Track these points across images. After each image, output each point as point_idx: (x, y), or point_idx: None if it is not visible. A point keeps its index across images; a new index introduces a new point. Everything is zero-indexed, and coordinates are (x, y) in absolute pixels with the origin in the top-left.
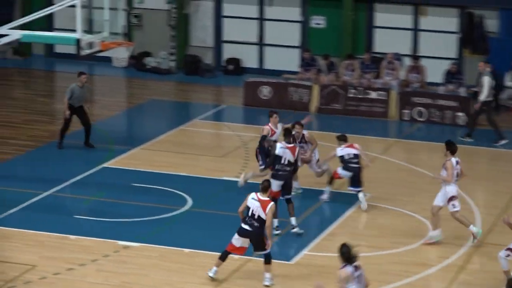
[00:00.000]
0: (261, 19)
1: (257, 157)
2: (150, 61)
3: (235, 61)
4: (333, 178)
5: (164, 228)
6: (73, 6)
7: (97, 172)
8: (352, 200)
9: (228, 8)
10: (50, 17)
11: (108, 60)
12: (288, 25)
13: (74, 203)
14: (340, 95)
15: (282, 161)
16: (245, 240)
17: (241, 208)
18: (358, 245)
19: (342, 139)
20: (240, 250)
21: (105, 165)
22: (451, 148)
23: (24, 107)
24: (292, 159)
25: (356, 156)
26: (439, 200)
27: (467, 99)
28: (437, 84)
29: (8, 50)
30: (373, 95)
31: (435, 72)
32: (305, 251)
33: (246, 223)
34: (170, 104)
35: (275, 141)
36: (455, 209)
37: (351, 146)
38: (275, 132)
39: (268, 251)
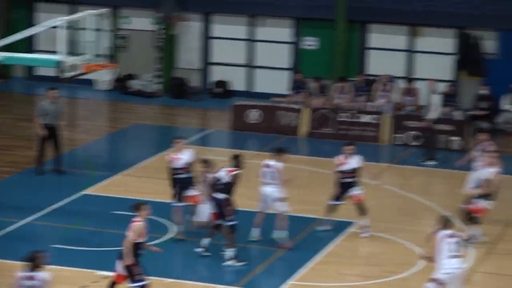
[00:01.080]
0: (251, 40)
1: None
2: (134, 84)
3: (223, 84)
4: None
5: (144, 257)
6: (55, 27)
7: (76, 199)
8: (341, 227)
9: (217, 29)
10: (31, 38)
11: (91, 83)
12: (279, 46)
13: (51, 231)
14: (331, 119)
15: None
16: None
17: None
18: (346, 274)
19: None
20: (121, 278)
21: (85, 192)
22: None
23: (2, 132)
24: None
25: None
26: None
27: (462, 123)
28: None
29: None
30: (365, 118)
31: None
32: (291, 281)
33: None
34: (154, 129)
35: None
36: None
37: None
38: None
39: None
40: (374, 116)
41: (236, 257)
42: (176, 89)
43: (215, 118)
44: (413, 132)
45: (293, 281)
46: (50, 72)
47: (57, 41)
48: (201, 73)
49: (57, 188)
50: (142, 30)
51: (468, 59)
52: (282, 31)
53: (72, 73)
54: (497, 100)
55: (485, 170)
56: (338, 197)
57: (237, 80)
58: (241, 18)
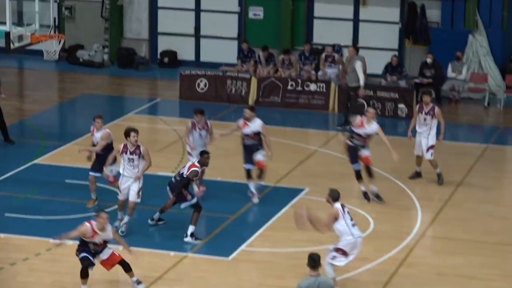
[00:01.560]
0: (198, 10)
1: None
2: (82, 54)
3: (171, 54)
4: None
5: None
6: None
7: (28, 168)
8: (292, 194)
9: None
10: None
11: (39, 53)
12: (226, 16)
13: (4, 201)
14: (279, 87)
15: None
16: None
17: None
18: (298, 240)
19: None
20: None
21: (36, 161)
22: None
23: None
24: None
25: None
26: None
27: (408, 91)
28: (378, 76)
29: None
30: (313, 87)
31: (376, 63)
32: (242, 247)
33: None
34: (103, 98)
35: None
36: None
37: None
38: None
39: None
40: (321, 84)
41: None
42: (124, 59)
43: (164, 88)
44: (360, 100)
45: (244, 247)
46: None
47: (5, 12)
48: (149, 43)
49: (8, 158)
50: (89, 1)
51: (413, 28)
52: (228, 0)
53: (20, 44)
54: (442, 68)
55: None
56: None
57: (185, 50)
58: None
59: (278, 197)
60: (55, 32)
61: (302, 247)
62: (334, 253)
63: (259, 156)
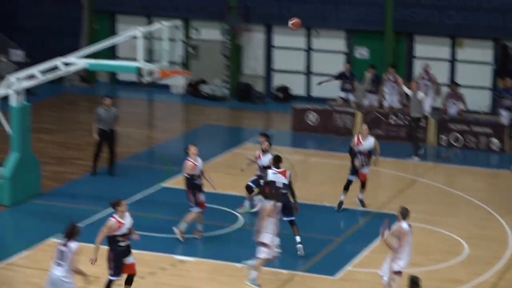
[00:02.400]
0: (309, 49)
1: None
2: (205, 89)
3: (284, 89)
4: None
5: (217, 244)
6: (135, 37)
7: (156, 191)
8: (392, 220)
9: (278, 40)
10: (113, 47)
11: (166, 87)
12: (334, 55)
13: (135, 220)
14: (382, 121)
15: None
16: None
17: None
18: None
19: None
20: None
21: (164, 185)
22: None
23: (89, 130)
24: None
25: (285, 185)
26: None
27: (501, 126)
28: (472, 112)
29: (76, 77)
30: None
31: (470, 100)
32: (348, 267)
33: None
34: (223, 129)
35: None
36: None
37: (283, 173)
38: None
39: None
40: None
41: None
42: (242, 94)
43: (277, 120)
44: (456, 134)
45: (349, 267)
46: (131, 77)
47: (137, 50)
48: (265, 79)
49: (138, 181)
50: (211, 40)
51: (506, 68)
52: (336, 41)
53: (150, 79)
54: None
55: None
56: None
57: (296, 86)
58: (299, 29)
59: (381, 222)
60: (181, 68)
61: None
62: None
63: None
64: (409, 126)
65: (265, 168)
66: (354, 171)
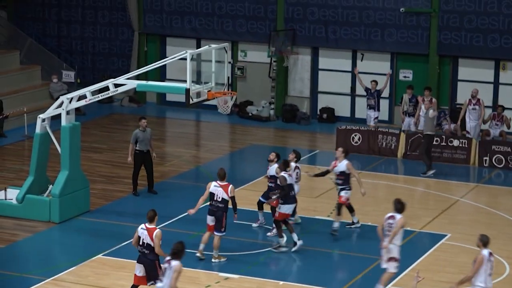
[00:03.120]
0: (353, 72)
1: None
2: (251, 109)
3: (329, 110)
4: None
5: (260, 262)
6: (183, 59)
7: (201, 209)
8: (435, 239)
9: (324, 62)
10: (163, 68)
11: (213, 107)
12: (378, 77)
13: (181, 237)
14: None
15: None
16: (143, 268)
17: (133, 241)
18: (440, 281)
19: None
20: (143, 280)
21: (209, 203)
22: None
23: None
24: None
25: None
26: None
27: None
28: None
29: (125, 98)
30: (456, 143)
31: None
32: (389, 286)
33: (139, 251)
34: (269, 149)
35: None
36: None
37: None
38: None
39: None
40: (463, 140)
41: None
42: (288, 114)
43: (322, 141)
44: (498, 156)
45: (391, 286)
46: (180, 98)
47: (185, 71)
48: (310, 100)
49: (184, 199)
50: (257, 62)
51: None
52: (381, 64)
53: (197, 99)
54: None
55: None
56: None
57: (341, 107)
58: (345, 52)
59: (422, 242)
60: (228, 89)
61: None
62: None
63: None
64: (422, 144)
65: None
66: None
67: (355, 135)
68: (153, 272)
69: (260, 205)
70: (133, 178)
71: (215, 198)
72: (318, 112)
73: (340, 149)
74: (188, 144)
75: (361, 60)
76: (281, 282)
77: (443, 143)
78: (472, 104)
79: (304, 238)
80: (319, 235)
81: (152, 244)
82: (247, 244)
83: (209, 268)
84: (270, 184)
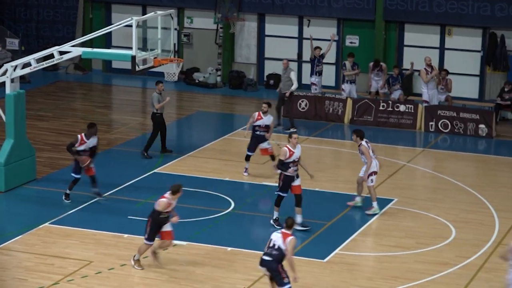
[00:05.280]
0: (300, 38)
1: None
2: (198, 76)
3: (276, 77)
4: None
5: (209, 228)
6: (129, 26)
7: (148, 176)
8: (382, 203)
9: (270, 28)
10: (108, 35)
11: (160, 75)
12: (325, 43)
13: (128, 205)
14: (372, 108)
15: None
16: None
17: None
18: (386, 245)
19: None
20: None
21: (156, 170)
22: (359, 134)
23: (83, 117)
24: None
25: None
26: (361, 173)
27: (488, 112)
28: (461, 99)
29: (70, 65)
30: (402, 108)
31: (459, 88)
32: (337, 251)
33: (265, 254)
34: (216, 115)
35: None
36: (371, 184)
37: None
38: None
39: (287, 285)
40: (410, 106)
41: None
42: (235, 81)
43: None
44: (444, 120)
45: (338, 251)
46: (125, 65)
47: (131, 38)
48: (257, 67)
49: (132, 167)
50: (204, 29)
51: (493, 55)
52: (327, 30)
53: (144, 67)
54: None
55: None
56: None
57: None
58: (291, 18)
59: (369, 206)
60: (175, 56)
61: (390, 252)
62: None
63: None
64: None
65: (266, 127)
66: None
67: (302, 101)
68: (278, 277)
69: (247, 157)
70: (150, 140)
71: (270, 245)
72: (265, 79)
73: (265, 104)
74: (134, 112)
75: (308, 26)
76: (229, 248)
77: (390, 109)
78: (429, 73)
79: (253, 204)
80: (267, 201)
81: (283, 248)
82: (196, 211)
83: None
84: (261, 133)
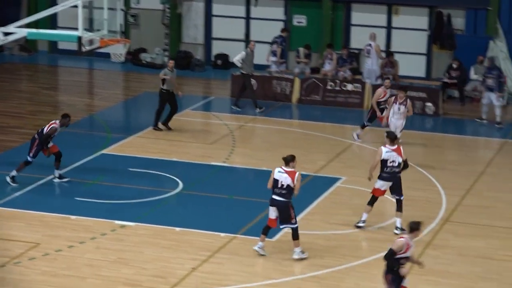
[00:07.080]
0: (248, 18)
1: None
2: (145, 57)
3: (223, 57)
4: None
5: (157, 209)
6: (75, 6)
7: (96, 158)
8: (330, 182)
9: (218, 8)
10: (54, 16)
11: (107, 55)
12: (272, 23)
13: (75, 186)
14: (320, 87)
15: (390, 164)
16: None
17: (269, 184)
18: (335, 223)
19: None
20: (274, 222)
21: (103, 151)
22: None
23: (29, 99)
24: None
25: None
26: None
27: (435, 91)
28: (408, 77)
29: (15, 46)
30: (349, 87)
31: (406, 67)
32: (285, 229)
33: (276, 194)
34: None
35: None
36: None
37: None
38: None
39: (295, 225)
40: (357, 85)
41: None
42: (182, 61)
43: (217, 87)
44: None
45: (287, 230)
46: (72, 46)
47: (77, 19)
48: (204, 47)
49: (79, 148)
50: (151, 9)
51: (440, 34)
52: (275, 10)
53: (90, 47)
54: (465, 70)
55: None
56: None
57: (236, 53)
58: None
59: (317, 185)
60: (121, 37)
61: (338, 230)
62: None
63: None
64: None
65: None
66: None
67: (251, 81)
68: (286, 214)
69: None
70: (157, 113)
71: (279, 185)
72: (213, 59)
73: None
74: (81, 93)
75: (255, 6)
76: (178, 229)
77: (337, 88)
78: (368, 47)
79: (200, 184)
80: (214, 181)
81: (292, 186)
82: (145, 191)
83: (104, 216)
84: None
